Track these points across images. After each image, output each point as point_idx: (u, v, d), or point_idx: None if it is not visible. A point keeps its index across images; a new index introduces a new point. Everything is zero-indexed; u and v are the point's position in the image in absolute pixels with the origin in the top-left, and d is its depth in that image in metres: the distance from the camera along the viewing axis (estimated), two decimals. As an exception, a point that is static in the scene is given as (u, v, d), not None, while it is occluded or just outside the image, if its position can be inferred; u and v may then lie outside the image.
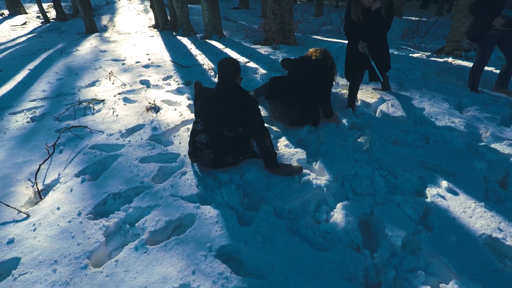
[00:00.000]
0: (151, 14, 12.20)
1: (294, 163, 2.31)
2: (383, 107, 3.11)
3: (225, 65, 2.29)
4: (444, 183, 2.00)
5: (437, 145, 2.46)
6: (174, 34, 9.11)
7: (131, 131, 2.91)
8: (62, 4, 15.44)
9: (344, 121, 2.88)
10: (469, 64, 4.59)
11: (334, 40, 7.17)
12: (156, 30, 10.38)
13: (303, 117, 2.80)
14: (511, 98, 3.30)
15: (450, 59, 4.98)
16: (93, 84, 4.24)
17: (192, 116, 3.14)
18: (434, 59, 5.11)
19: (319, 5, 14.20)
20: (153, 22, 11.18)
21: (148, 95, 3.72)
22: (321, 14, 13.00)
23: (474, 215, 1.74)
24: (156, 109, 3.33)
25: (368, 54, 2.88)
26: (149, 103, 3.37)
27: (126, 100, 3.61)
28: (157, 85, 4.12)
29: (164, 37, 8.30)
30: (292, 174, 2.19)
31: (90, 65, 5.11)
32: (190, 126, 2.95)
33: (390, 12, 2.88)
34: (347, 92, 3.37)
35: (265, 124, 2.86)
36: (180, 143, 2.65)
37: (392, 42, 7.57)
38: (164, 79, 4.36)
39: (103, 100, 3.60)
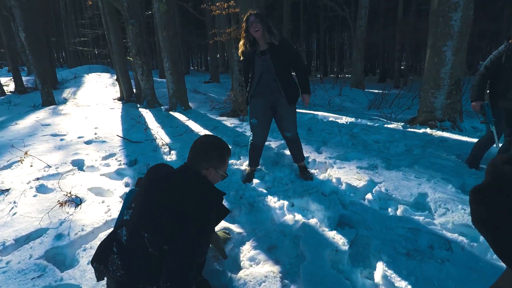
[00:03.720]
0: (118, 87, 11.94)
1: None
2: (375, 193, 2.44)
3: (198, 145, 1.54)
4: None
5: (466, 255, 1.73)
6: (138, 106, 8.63)
7: (23, 241, 1.96)
8: (27, 78, 15.04)
9: (328, 215, 2.14)
10: (452, 136, 4.26)
11: (303, 111, 6.92)
12: (120, 102, 9.91)
13: None
14: None
15: (428, 130, 4.68)
16: (9, 166, 3.32)
17: (124, 212, 2.27)
18: (412, 130, 4.79)
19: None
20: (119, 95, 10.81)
21: (73, 181, 2.85)
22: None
23: None
24: (76, 202, 2.44)
25: None
26: (66, 194, 2.48)
27: (40, 189, 2.70)
28: (92, 166, 3.28)
29: (125, 109, 7.75)
30: None
31: (18, 142, 4.23)
32: (116, 229, 2.07)
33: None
34: None
35: (225, 224, 2.06)
36: (88, 263, 1.73)
37: (361, 113, 7.51)
38: (105, 158, 3.54)
39: (7, 190, 2.67)
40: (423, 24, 15.01)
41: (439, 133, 4.46)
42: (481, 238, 1.88)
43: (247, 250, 1.85)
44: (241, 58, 2.71)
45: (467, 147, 3.56)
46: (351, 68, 15.15)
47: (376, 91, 11.62)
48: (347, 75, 19.20)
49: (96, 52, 17.74)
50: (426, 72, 5.50)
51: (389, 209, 2.27)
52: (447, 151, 3.51)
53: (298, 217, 2.16)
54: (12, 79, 12.33)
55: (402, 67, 18.94)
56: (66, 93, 11.52)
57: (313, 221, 2.07)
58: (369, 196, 2.42)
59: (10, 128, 5.32)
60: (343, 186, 2.61)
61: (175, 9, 18.56)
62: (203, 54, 36.69)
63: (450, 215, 2.09)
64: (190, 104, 7.97)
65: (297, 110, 7.23)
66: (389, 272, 1.55)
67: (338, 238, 1.85)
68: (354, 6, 16.26)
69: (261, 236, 1.96)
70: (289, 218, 2.16)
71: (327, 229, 1.98)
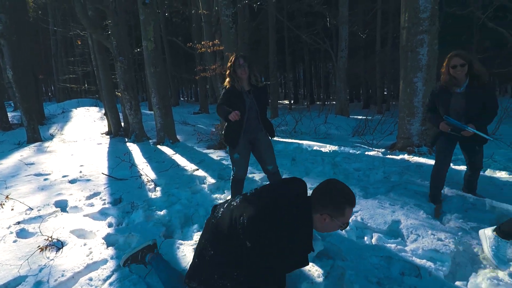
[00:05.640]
0: (106, 121, 12.02)
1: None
2: (352, 222, 2.53)
3: (324, 186, 1.55)
4: None
5: (433, 280, 1.82)
6: (126, 140, 8.70)
7: (0, 290, 1.95)
8: (13, 114, 14.97)
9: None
10: (428, 161, 4.45)
11: (290, 140, 7.12)
12: (108, 136, 9.97)
13: None
14: (485, 199, 2.91)
15: (406, 156, 4.88)
16: (-10, 210, 3.30)
17: (106, 254, 2.29)
18: (391, 156, 4.98)
19: (274, 108, 15.24)
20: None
21: (55, 223, 2.85)
22: (277, 115, 13.75)
23: None
24: (57, 245, 2.44)
25: None
26: (47, 238, 2.48)
27: (21, 233, 2.69)
28: (75, 207, 3.28)
29: (113, 145, 7.79)
30: None
31: (0, 183, 4.21)
32: (98, 272, 2.08)
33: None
34: None
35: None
36: (67, 310, 1.73)
37: (345, 140, 7.75)
38: (89, 197, 3.56)
39: (-13, 236, 2.65)
40: (398, 55, 15.92)
41: (416, 158, 4.66)
42: (447, 263, 1.97)
43: None
44: (226, 88, 2.81)
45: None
46: (335, 96, 15.67)
47: (360, 117, 12.02)
48: (333, 102, 19.84)
49: (85, 88, 17.93)
50: (401, 101, 5.82)
51: (365, 238, 2.36)
52: (422, 177, 3.67)
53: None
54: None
55: (385, 93, 19.74)
56: (53, 129, 11.52)
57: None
58: (346, 226, 2.50)
59: (-7, 169, 5.28)
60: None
61: (165, 44, 19.27)
62: (193, 85, 37.50)
63: (421, 241, 2.19)
64: (178, 137, 8.09)
65: (284, 140, 7.39)
66: (361, 304, 1.62)
67: (314, 270, 1.92)
68: (335, 38, 17.16)
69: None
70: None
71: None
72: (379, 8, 15.21)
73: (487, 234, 2.12)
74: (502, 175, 3.70)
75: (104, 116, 11.53)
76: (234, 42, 6.65)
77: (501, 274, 1.83)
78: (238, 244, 1.48)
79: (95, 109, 17.25)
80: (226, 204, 1.68)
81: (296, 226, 1.45)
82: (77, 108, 17.45)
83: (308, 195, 1.60)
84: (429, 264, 1.94)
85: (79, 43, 9.96)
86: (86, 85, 18.66)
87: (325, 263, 2.04)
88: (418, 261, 1.98)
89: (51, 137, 9.87)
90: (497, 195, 3.06)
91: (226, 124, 2.89)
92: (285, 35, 19.14)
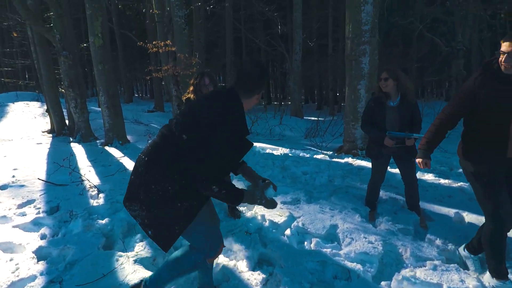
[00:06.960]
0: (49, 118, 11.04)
1: None
2: (294, 228, 2.65)
3: (244, 73, 1.58)
4: None
5: (361, 282, 1.99)
6: (71, 140, 8.11)
7: None
8: None
9: (247, 255, 2.27)
10: (368, 164, 4.79)
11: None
12: (50, 135, 9.20)
13: None
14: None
15: (350, 159, 5.21)
16: None
17: (35, 270, 2.14)
18: (337, 160, 5.28)
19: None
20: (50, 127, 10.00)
21: (-21, 236, 2.59)
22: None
23: None
24: (-22, 262, 2.22)
25: None
26: (-35, 256, 2.25)
27: None
28: (4, 217, 3.00)
29: (54, 145, 7.21)
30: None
31: None
32: (24, 290, 1.94)
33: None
34: None
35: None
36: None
37: (297, 142, 8.03)
38: (21, 205, 3.27)
39: None
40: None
41: (358, 161, 5.00)
42: (375, 264, 2.17)
43: None
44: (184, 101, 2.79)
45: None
46: (290, 97, 16.13)
47: (314, 118, 12.52)
48: (289, 102, 20.36)
49: (23, 83, 16.28)
50: (346, 107, 6.20)
51: (305, 243, 2.49)
52: (362, 180, 3.96)
53: (220, 259, 2.26)
54: None
55: (337, 94, 20.73)
56: (-15, 126, 10.33)
57: (231, 263, 2.19)
58: (288, 231, 2.63)
59: None
60: (267, 223, 2.79)
61: (117, 37, 18.23)
62: (148, 81, 35.88)
63: (354, 244, 2.38)
64: (129, 137, 7.73)
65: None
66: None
67: (253, 279, 1.99)
68: (290, 42, 17.63)
69: (182, 283, 2.01)
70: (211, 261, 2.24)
71: (244, 270, 2.10)
72: (330, 15, 15.93)
73: (461, 252, 2.30)
74: (429, 177, 4.14)
75: (47, 113, 10.58)
76: (187, 43, 6.54)
77: (418, 273, 2.06)
78: (175, 142, 1.51)
79: (37, 104, 15.75)
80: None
81: (229, 110, 1.53)
82: (15, 103, 15.81)
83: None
84: (358, 266, 2.11)
85: (15, 35, 8.99)
86: (27, 78, 16.96)
87: (265, 270, 2.12)
88: (349, 264, 2.15)
89: (-18, 135, 8.85)
90: (422, 196, 3.40)
91: None
92: (242, 35, 19.19)
